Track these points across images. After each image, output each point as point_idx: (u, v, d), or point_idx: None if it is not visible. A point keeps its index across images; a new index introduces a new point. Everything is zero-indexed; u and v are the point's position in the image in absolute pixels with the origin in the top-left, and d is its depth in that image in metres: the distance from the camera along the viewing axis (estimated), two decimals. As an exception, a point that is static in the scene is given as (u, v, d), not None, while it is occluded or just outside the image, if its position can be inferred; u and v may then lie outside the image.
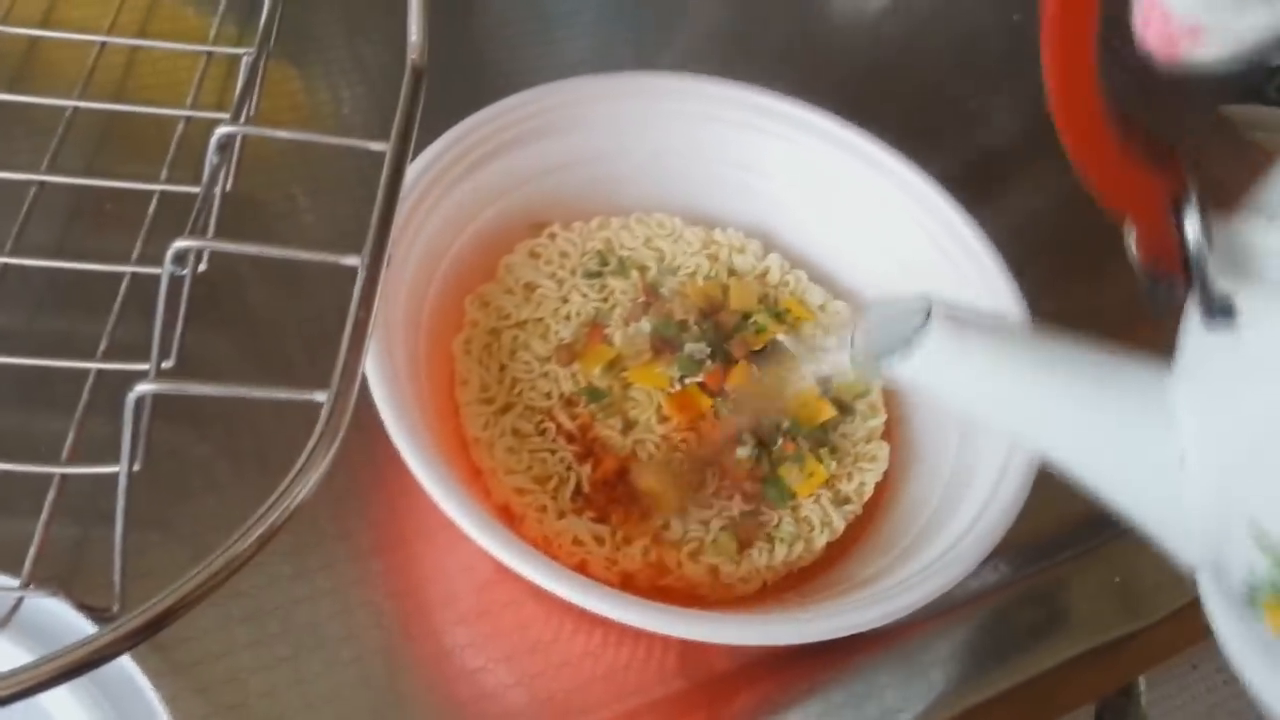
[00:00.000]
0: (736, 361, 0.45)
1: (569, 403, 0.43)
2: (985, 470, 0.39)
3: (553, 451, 0.42)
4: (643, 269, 0.48)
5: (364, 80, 0.55)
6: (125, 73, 0.53)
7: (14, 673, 0.23)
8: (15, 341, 0.40)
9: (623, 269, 0.47)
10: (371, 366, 0.37)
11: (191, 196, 0.40)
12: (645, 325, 0.45)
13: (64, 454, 0.39)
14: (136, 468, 0.37)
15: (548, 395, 0.44)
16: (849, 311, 0.47)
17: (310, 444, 0.27)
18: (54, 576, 0.36)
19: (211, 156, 0.35)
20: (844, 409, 0.45)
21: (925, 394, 0.36)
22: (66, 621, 0.35)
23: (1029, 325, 0.33)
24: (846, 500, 0.43)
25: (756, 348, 0.45)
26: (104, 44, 0.50)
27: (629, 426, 0.43)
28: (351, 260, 0.31)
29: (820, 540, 0.42)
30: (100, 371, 0.41)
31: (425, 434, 0.37)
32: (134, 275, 0.43)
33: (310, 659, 0.38)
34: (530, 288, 0.47)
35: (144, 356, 0.37)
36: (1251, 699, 0.33)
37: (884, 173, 0.48)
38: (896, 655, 0.41)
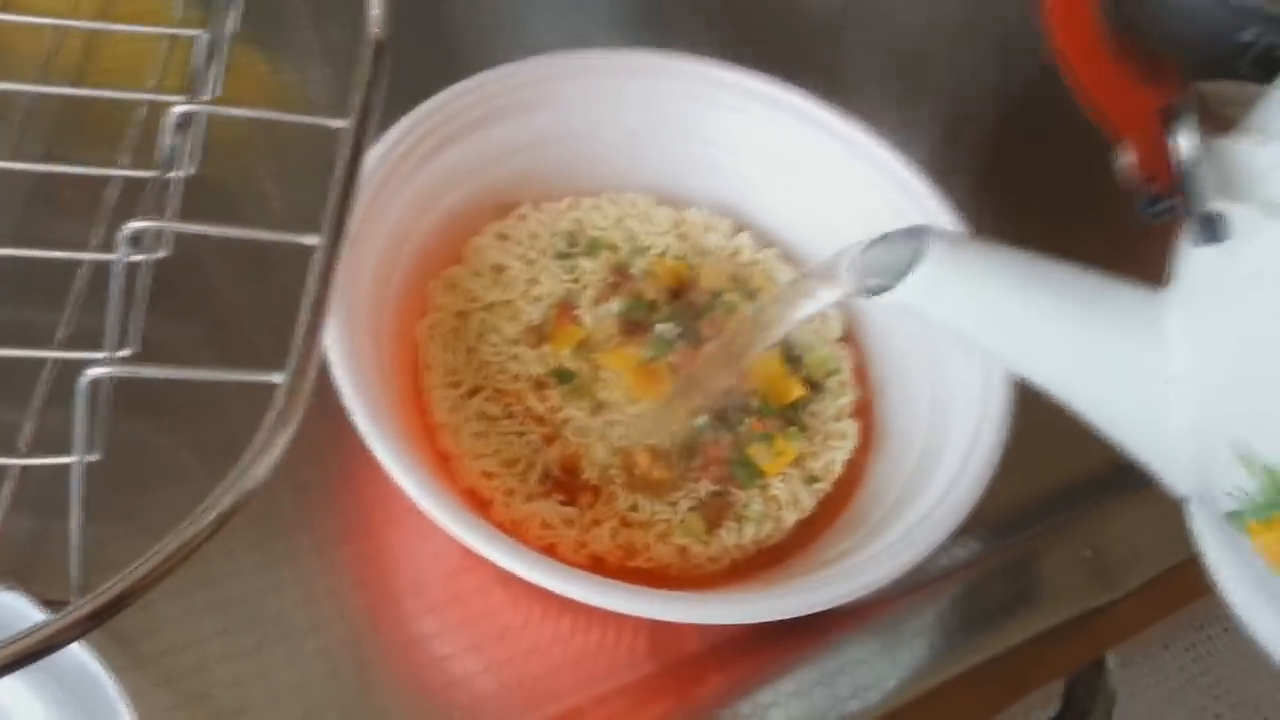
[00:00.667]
0: (706, 342, 0.44)
1: (538, 385, 0.43)
2: (954, 446, 0.39)
3: (521, 434, 0.42)
4: (613, 249, 0.47)
5: (331, 64, 0.55)
6: (86, 56, 0.52)
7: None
8: (-29, 330, 0.39)
9: (593, 250, 0.47)
10: (334, 351, 0.37)
11: (149, 180, 0.39)
12: (615, 306, 0.45)
13: (21, 445, 0.38)
14: (96, 457, 0.37)
15: (516, 378, 0.43)
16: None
17: (266, 426, 0.27)
18: (11, 570, 0.36)
19: (169, 136, 0.35)
20: (813, 387, 0.45)
21: (923, 318, 0.36)
22: (26, 617, 0.34)
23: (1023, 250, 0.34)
24: (816, 479, 0.43)
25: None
26: (64, 27, 0.49)
27: (599, 408, 0.43)
28: (311, 239, 0.31)
29: (790, 519, 0.42)
30: (59, 361, 0.40)
31: (390, 420, 0.37)
32: (94, 262, 0.42)
33: (276, 650, 0.37)
34: (498, 270, 0.46)
35: (103, 344, 0.36)
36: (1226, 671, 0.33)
37: (856, 150, 0.47)
38: (868, 632, 0.40)
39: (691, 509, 0.41)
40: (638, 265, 0.47)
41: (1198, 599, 0.47)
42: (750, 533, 0.41)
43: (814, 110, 0.48)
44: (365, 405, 0.36)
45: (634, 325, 0.44)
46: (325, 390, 0.35)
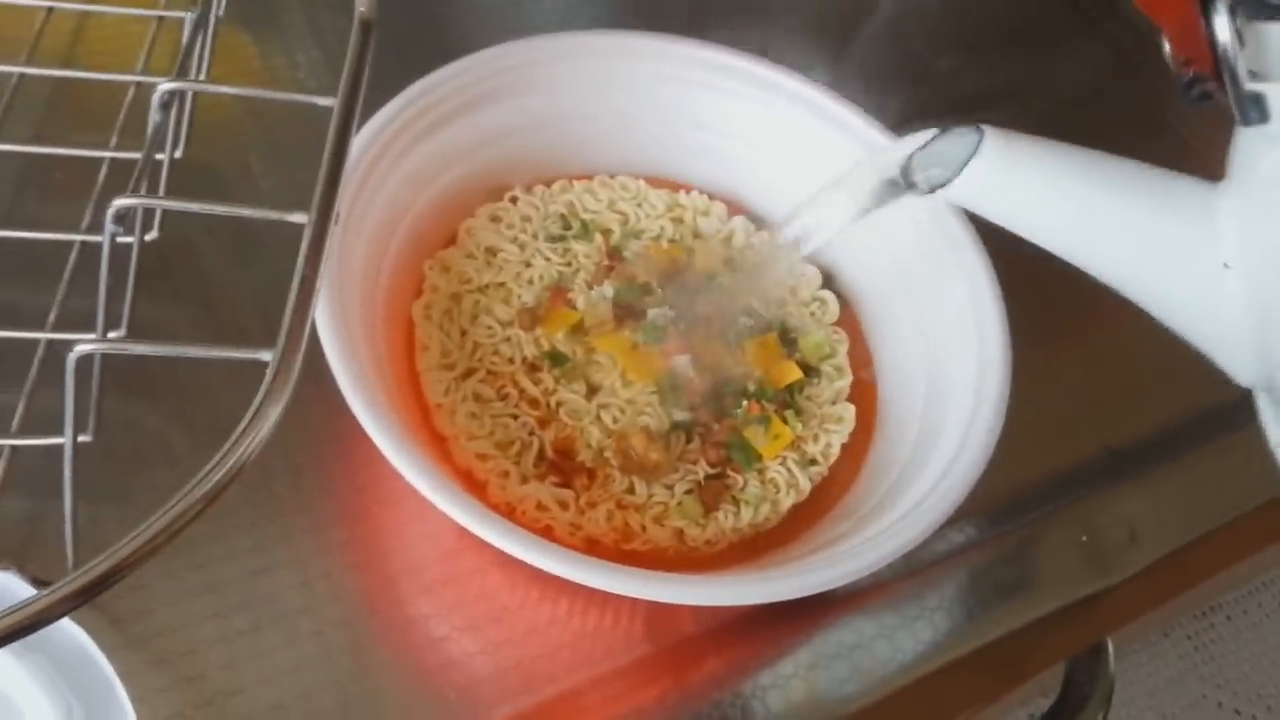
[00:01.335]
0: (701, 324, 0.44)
1: (532, 367, 0.43)
2: (951, 429, 0.39)
3: (515, 417, 0.42)
4: (606, 232, 0.47)
5: (320, 45, 0.54)
6: (75, 38, 0.51)
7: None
8: (-39, 312, 0.39)
9: (586, 232, 0.47)
10: (328, 333, 0.36)
11: (138, 161, 0.39)
12: (609, 289, 0.45)
13: (13, 426, 0.38)
14: (87, 438, 0.37)
15: (510, 360, 0.43)
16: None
17: (255, 402, 0.26)
18: (6, 551, 0.36)
19: (155, 115, 0.34)
20: (810, 371, 0.45)
21: (981, 211, 0.36)
22: (20, 596, 0.34)
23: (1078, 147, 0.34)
24: (813, 462, 0.43)
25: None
26: (52, 9, 0.49)
27: (592, 391, 0.43)
28: (299, 217, 0.30)
29: (786, 502, 0.41)
30: (50, 342, 0.40)
31: (384, 401, 0.37)
32: (84, 244, 0.42)
33: (270, 631, 0.37)
34: (492, 252, 0.46)
35: (94, 326, 0.36)
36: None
37: (850, 134, 0.47)
38: (866, 616, 0.40)
39: (688, 492, 0.41)
40: (631, 248, 0.47)
41: (1196, 584, 0.48)
42: (747, 516, 0.41)
43: (809, 93, 0.48)
44: (360, 387, 0.35)
45: (627, 309, 0.44)
46: (320, 373, 0.35)
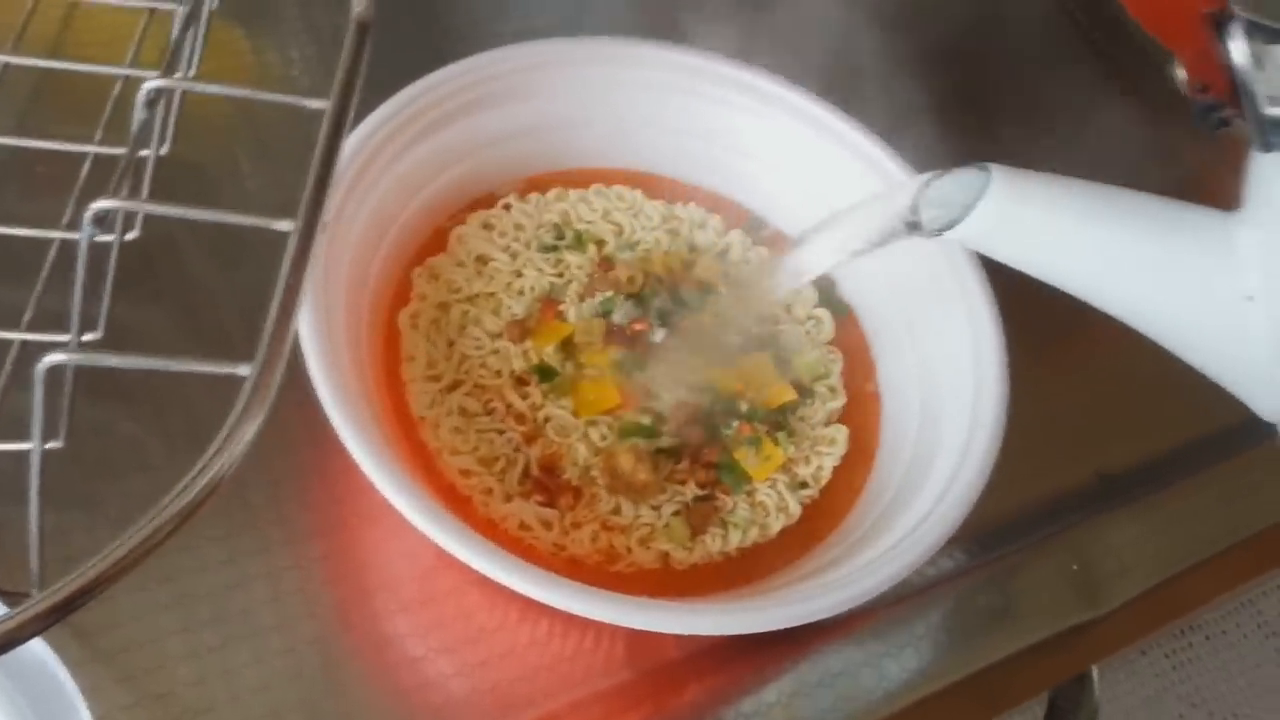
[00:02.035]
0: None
1: (519, 381, 0.42)
2: (945, 456, 0.38)
3: (500, 432, 0.41)
4: (600, 243, 0.46)
5: (315, 42, 0.53)
6: (62, 27, 0.50)
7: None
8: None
9: (579, 243, 0.46)
10: (309, 341, 0.35)
11: (122, 158, 0.38)
12: (600, 302, 0.44)
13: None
14: (58, 444, 0.36)
15: (497, 373, 0.42)
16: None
17: (232, 417, 0.25)
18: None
19: (139, 113, 0.33)
20: (802, 392, 0.44)
21: (991, 253, 0.36)
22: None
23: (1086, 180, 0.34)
24: (804, 485, 0.42)
25: None
26: (40, -4, 0.47)
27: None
28: (284, 225, 0.29)
29: (776, 525, 0.41)
30: (24, 343, 0.39)
31: (366, 412, 0.36)
32: (63, 242, 0.41)
33: (241, 648, 0.36)
34: (482, 261, 0.45)
35: (71, 327, 0.35)
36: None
37: (853, 151, 0.46)
38: (852, 643, 0.40)
39: (675, 514, 0.40)
40: (625, 260, 0.46)
41: (1185, 614, 0.47)
42: (735, 540, 0.40)
43: (812, 108, 0.47)
44: (341, 400, 0.34)
45: (619, 330, 0.43)
46: (300, 379, 0.34)
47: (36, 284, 0.40)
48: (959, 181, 0.35)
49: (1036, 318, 0.43)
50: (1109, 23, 0.65)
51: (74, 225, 0.41)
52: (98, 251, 0.34)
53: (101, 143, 0.44)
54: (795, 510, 0.41)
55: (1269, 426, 0.34)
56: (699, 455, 0.41)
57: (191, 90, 0.36)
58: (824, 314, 0.46)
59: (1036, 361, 0.43)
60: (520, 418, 0.41)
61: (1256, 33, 0.30)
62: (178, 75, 0.40)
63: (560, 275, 0.45)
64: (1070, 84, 0.63)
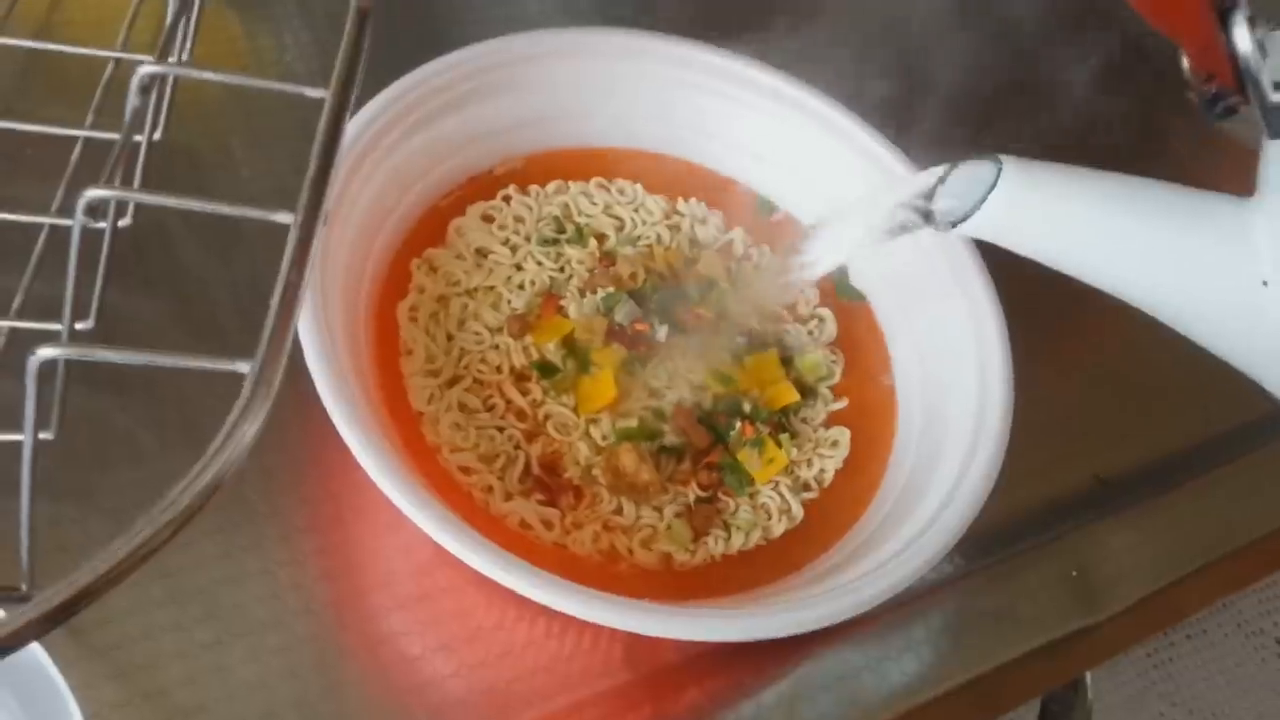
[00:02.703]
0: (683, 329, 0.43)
1: (520, 377, 0.41)
2: (949, 460, 0.38)
3: (500, 429, 0.40)
4: (601, 237, 0.46)
5: (309, 27, 0.52)
6: (51, 8, 0.49)
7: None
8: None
9: (580, 237, 0.45)
10: (305, 331, 0.35)
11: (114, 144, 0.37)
12: (602, 297, 0.43)
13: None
14: (48, 436, 0.35)
15: (498, 369, 0.41)
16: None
17: (233, 416, 0.25)
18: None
19: (133, 98, 0.33)
20: (805, 393, 0.43)
21: (1004, 244, 0.35)
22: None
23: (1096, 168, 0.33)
24: (806, 487, 0.42)
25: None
26: (27, -24, 0.46)
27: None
28: (284, 217, 0.29)
29: (778, 529, 0.40)
30: (14, 330, 0.38)
31: (364, 406, 0.35)
32: (53, 227, 0.40)
33: (235, 645, 0.35)
34: (482, 253, 0.44)
35: (62, 314, 0.34)
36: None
37: (857, 148, 0.46)
38: (853, 646, 0.39)
39: (677, 515, 0.40)
40: (626, 254, 0.45)
41: (1181, 619, 0.47)
42: (738, 542, 0.40)
43: (814, 103, 0.47)
44: (339, 394, 0.34)
45: (621, 330, 0.42)
46: (297, 371, 0.34)
47: (26, 270, 0.39)
48: (971, 173, 0.35)
49: (1035, 321, 0.43)
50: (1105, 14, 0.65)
51: (65, 210, 0.41)
52: (90, 238, 0.33)
53: (92, 126, 0.43)
54: (798, 513, 0.41)
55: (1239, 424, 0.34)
56: (701, 456, 0.41)
57: (188, 77, 0.36)
58: (827, 313, 0.46)
59: (1035, 365, 0.42)
60: (521, 414, 0.41)
61: (1260, 20, 0.30)
62: (171, 60, 0.39)
63: (561, 270, 0.44)
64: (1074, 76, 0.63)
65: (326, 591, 0.37)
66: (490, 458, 0.39)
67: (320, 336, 0.35)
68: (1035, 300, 0.39)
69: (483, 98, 0.44)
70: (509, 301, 0.43)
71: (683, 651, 0.38)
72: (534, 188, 0.46)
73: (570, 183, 0.47)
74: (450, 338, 0.42)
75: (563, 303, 0.43)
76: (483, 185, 0.46)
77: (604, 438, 0.40)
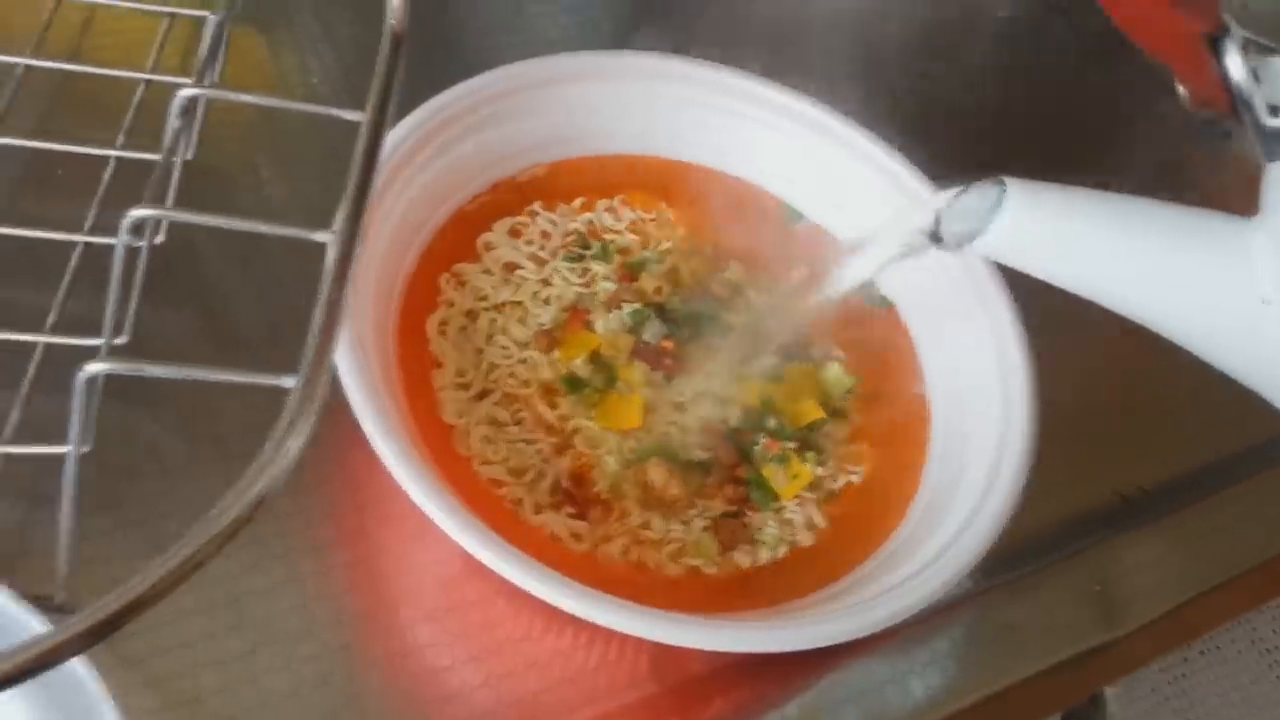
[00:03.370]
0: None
1: (548, 391, 0.42)
2: (973, 473, 0.39)
3: (530, 442, 0.40)
4: (625, 252, 0.46)
5: (333, 50, 0.53)
6: (83, 31, 0.50)
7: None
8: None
9: (605, 253, 0.46)
10: (341, 351, 0.35)
11: (148, 164, 0.38)
12: (628, 313, 0.44)
13: (6, 433, 0.36)
14: (86, 449, 0.35)
15: (526, 383, 0.42)
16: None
17: (279, 431, 0.25)
18: (-8, 563, 0.34)
19: (173, 121, 0.33)
20: (830, 409, 0.44)
21: (1012, 264, 0.36)
22: (9, 614, 0.33)
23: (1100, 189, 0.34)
24: (833, 500, 0.42)
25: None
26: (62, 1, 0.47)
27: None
28: (323, 236, 0.29)
29: (805, 542, 0.41)
30: (47, 346, 0.39)
31: (396, 418, 0.36)
32: (86, 245, 0.41)
33: (266, 654, 0.36)
34: (510, 268, 0.45)
35: (95, 330, 0.35)
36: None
37: (877, 167, 0.47)
38: (876, 660, 0.39)
39: (705, 529, 0.40)
40: (651, 270, 0.46)
41: (1203, 634, 0.47)
42: (765, 557, 0.40)
43: (829, 121, 0.47)
44: (372, 406, 0.34)
45: (648, 348, 0.43)
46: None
47: (59, 288, 0.40)
48: (977, 195, 0.35)
49: (1055, 335, 0.43)
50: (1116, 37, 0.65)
51: (98, 229, 0.41)
52: (126, 256, 0.34)
53: (123, 146, 0.44)
54: (824, 526, 0.41)
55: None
56: (727, 471, 0.41)
57: (226, 100, 0.36)
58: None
59: (1055, 379, 0.43)
60: (550, 428, 0.41)
61: (1251, 48, 0.31)
62: (206, 82, 0.40)
63: (586, 285, 0.45)
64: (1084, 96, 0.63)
65: (355, 602, 0.38)
66: (520, 471, 0.40)
67: (353, 351, 0.36)
68: (1057, 316, 0.39)
69: (506, 120, 0.45)
70: (536, 316, 0.44)
71: (709, 663, 0.38)
72: (560, 204, 0.47)
73: (595, 199, 0.48)
74: (479, 351, 0.42)
75: (589, 317, 0.44)
76: (507, 192, 0.47)
77: (632, 452, 0.41)
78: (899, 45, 0.62)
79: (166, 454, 0.39)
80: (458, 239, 0.45)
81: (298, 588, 0.37)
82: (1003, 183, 0.34)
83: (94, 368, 0.27)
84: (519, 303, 0.44)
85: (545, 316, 0.43)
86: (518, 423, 0.41)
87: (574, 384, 0.42)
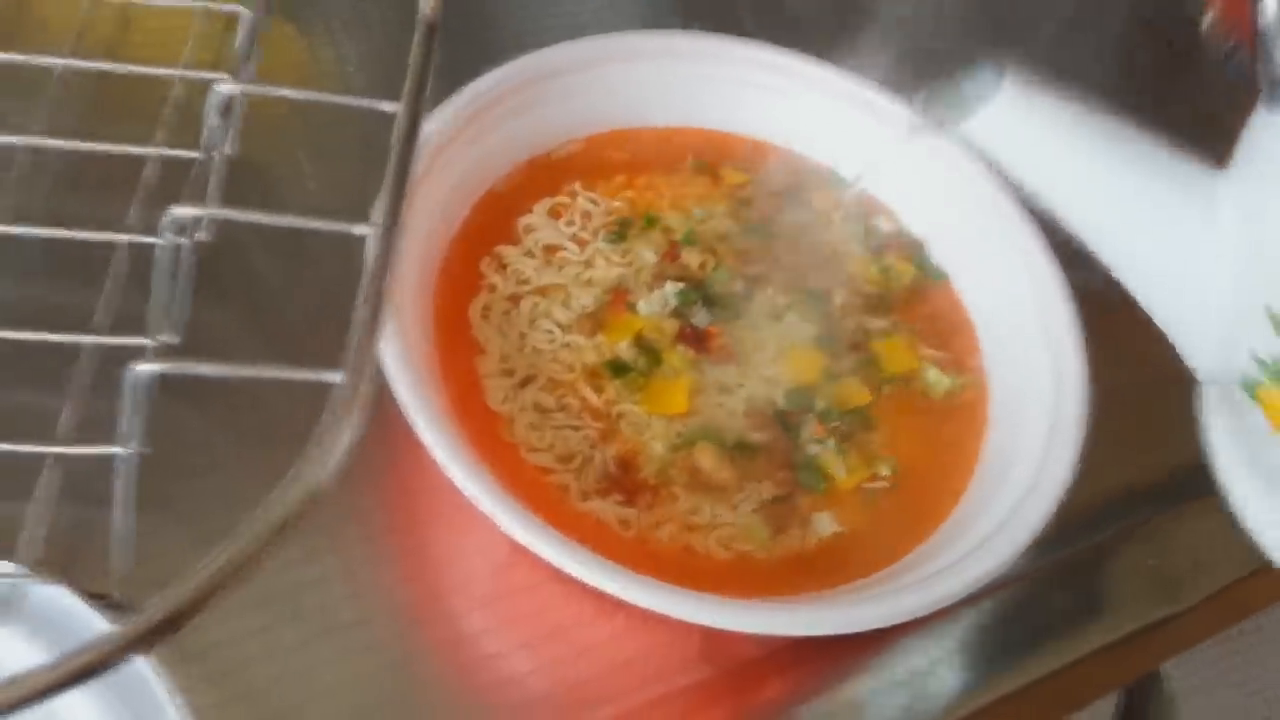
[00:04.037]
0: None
1: (592, 375, 0.41)
2: (1026, 452, 0.38)
3: (576, 428, 0.40)
4: (668, 230, 0.46)
5: (368, 39, 0.53)
6: (119, 29, 0.50)
7: (20, 678, 0.22)
8: (3, 314, 0.38)
9: (647, 231, 0.45)
10: (387, 344, 0.35)
11: (188, 161, 0.38)
12: (671, 291, 0.43)
13: (62, 433, 0.37)
14: (146, 451, 0.36)
15: (570, 368, 0.42)
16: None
17: (327, 428, 0.25)
18: (49, 559, 0.35)
19: (214, 118, 0.33)
20: (876, 390, 0.43)
21: (988, 151, 0.36)
22: (61, 606, 0.33)
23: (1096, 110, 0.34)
24: (882, 481, 0.41)
25: None
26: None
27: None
28: (362, 229, 0.29)
29: (858, 524, 0.40)
30: (96, 346, 0.39)
31: (439, 406, 0.36)
32: (132, 245, 0.41)
33: (322, 645, 0.36)
34: (550, 250, 0.45)
35: (141, 329, 0.35)
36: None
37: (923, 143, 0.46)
38: (932, 640, 0.39)
39: (754, 512, 0.40)
40: (694, 247, 0.45)
41: (1262, 608, 0.46)
42: (815, 541, 0.39)
43: (873, 98, 0.47)
44: (418, 396, 0.34)
45: (693, 331, 0.43)
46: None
47: (104, 288, 0.40)
48: (975, 80, 0.35)
49: (1108, 308, 0.42)
50: None
51: (142, 227, 0.42)
52: (170, 254, 0.34)
53: (161, 144, 0.44)
54: (878, 508, 0.40)
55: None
56: (776, 455, 0.41)
57: (265, 95, 0.36)
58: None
59: (1108, 353, 0.42)
60: (596, 414, 0.41)
61: None
62: (244, 77, 0.40)
63: (629, 265, 0.44)
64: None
65: (408, 592, 0.38)
66: (567, 457, 0.39)
67: (396, 340, 0.36)
68: (1109, 288, 0.38)
69: (545, 102, 0.45)
70: (579, 299, 0.43)
71: (762, 646, 0.38)
72: (600, 183, 0.47)
73: (635, 177, 0.47)
74: (523, 336, 0.42)
75: (631, 299, 0.43)
76: (542, 169, 0.46)
77: (679, 436, 0.41)
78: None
79: (215, 450, 0.39)
80: (494, 220, 0.45)
81: (350, 578, 0.38)
82: (1000, 72, 0.34)
83: (144, 368, 0.28)
84: (561, 285, 0.44)
85: (587, 299, 0.43)
86: (563, 409, 0.41)
87: (618, 369, 0.42)
